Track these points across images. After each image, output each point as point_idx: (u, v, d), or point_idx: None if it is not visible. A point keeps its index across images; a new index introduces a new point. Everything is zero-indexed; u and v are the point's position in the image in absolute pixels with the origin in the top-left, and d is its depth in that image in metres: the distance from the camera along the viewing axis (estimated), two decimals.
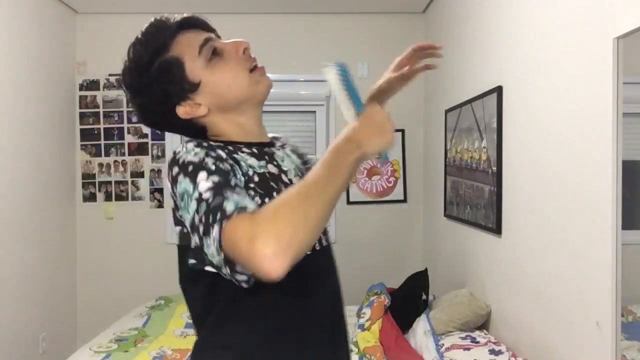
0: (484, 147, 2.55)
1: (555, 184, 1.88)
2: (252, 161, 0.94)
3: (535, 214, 2.04)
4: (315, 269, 0.97)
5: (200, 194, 0.80)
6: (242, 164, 0.91)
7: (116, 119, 3.82)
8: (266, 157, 0.98)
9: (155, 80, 0.94)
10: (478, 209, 2.63)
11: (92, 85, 3.82)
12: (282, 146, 1.08)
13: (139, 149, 3.83)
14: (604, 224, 1.55)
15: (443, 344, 2.33)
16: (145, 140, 3.83)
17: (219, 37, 1.04)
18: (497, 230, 2.38)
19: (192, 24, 1.01)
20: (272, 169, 0.96)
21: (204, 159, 0.84)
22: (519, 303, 2.18)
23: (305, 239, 0.74)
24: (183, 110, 0.96)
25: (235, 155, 0.92)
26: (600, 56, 1.57)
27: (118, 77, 3.83)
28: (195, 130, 1.00)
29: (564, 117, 1.82)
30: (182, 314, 3.08)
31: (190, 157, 0.85)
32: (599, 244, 1.58)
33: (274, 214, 0.74)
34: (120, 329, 2.87)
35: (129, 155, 3.83)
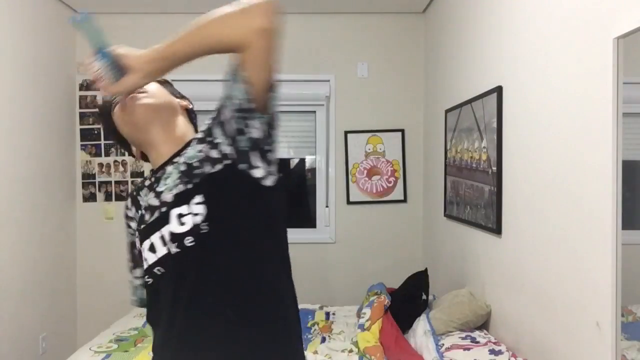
0: (484, 147, 2.55)
1: (555, 184, 1.88)
2: (146, 199, 1.13)
3: (535, 214, 2.04)
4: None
5: None
6: (139, 213, 1.15)
7: None
8: (154, 185, 1.12)
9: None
10: (478, 209, 2.63)
11: (92, 85, 3.82)
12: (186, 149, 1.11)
13: None
14: (604, 224, 1.55)
15: (443, 344, 2.33)
16: None
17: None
18: (497, 230, 2.38)
19: None
20: (150, 200, 1.10)
21: None
22: (519, 303, 2.18)
23: None
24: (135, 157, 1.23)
25: (141, 203, 1.15)
26: (600, 56, 1.57)
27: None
28: None
29: (564, 117, 1.82)
30: None
31: None
32: (599, 244, 1.58)
33: None
34: (120, 329, 2.87)
35: (129, 155, 3.82)
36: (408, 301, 2.85)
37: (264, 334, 1.02)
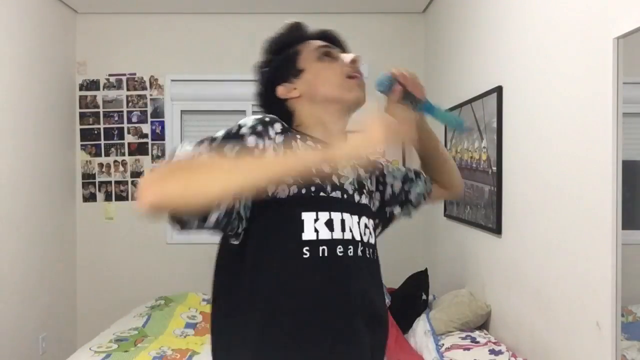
0: (484, 147, 2.55)
1: (555, 184, 1.88)
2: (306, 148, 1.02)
3: (535, 214, 2.04)
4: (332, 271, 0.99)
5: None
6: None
7: (116, 119, 3.82)
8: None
9: (275, 60, 1.13)
10: (478, 209, 2.63)
11: (92, 85, 3.82)
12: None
13: (139, 149, 3.83)
14: (604, 224, 1.55)
15: (443, 344, 2.33)
16: (145, 140, 3.83)
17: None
18: (497, 230, 2.38)
19: (328, 38, 1.18)
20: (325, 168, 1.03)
21: (240, 133, 0.94)
22: (519, 303, 2.18)
23: (182, 195, 0.81)
24: (281, 90, 1.10)
25: (293, 142, 0.99)
26: (600, 56, 1.57)
27: (118, 77, 3.83)
28: (285, 114, 1.10)
29: (564, 117, 1.82)
30: (182, 313, 3.08)
31: (245, 126, 0.95)
32: (599, 244, 1.58)
33: (179, 166, 0.85)
34: (120, 329, 2.87)
35: (129, 155, 3.83)
36: (408, 301, 2.85)
37: None
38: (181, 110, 3.82)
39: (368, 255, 1.03)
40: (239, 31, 3.77)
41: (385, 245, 4.22)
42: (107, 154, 3.83)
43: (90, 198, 3.83)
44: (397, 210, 1.25)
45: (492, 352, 2.15)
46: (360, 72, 1.12)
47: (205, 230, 0.90)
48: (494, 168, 2.41)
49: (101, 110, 3.82)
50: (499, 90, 2.36)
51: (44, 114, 3.37)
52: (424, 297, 2.82)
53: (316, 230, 0.94)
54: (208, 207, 0.85)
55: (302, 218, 0.94)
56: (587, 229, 1.66)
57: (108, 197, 3.83)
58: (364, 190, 1.10)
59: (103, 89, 3.82)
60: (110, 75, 3.82)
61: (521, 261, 2.16)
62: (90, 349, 2.58)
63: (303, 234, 0.94)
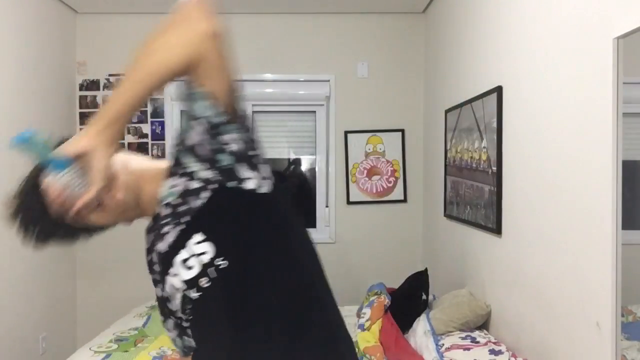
0: (484, 147, 2.55)
1: (555, 184, 1.88)
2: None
3: (535, 214, 2.04)
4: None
5: None
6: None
7: None
8: (151, 237, 1.08)
9: None
10: (478, 209, 2.63)
11: (92, 85, 3.82)
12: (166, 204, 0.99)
13: (139, 149, 3.83)
14: (604, 224, 1.55)
15: (443, 344, 2.33)
16: (145, 140, 3.83)
17: None
18: (497, 230, 2.38)
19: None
20: (153, 257, 1.06)
21: None
22: (519, 303, 2.18)
23: None
24: None
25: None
26: (600, 56, 1.57)
27: (118, 77, 3.83)
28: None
29: (564, 117, 1.82)
30: None
31: None
32: (599, 244, 1.58)
33: None
34: (120, 329, 2.87)
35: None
36: (408, 301, 2.85)
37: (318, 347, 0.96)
38: (181, 110, 3.82)
39: (205, 284, 0.91)
40: (238, 31, 3.77)
41: (385, 245, 4.24)
42: None
43: None
44: (236, 144, 0.91)
45: (492, 352, 2.15)
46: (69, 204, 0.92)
47: None
48: (494, 168, 2.41)
49: None
50: (499, 90, 2.36)
51: (44, 114, 3.37)
52: (424, 297, 2.82)
53: (170, 309, 1.03)
54: None
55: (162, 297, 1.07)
56: (587, 229, 1.66)
57: None
58: (174, 216, 0.95)
59: (103, 89, 3.82)
60: (110, 75, 3.82)
61: (521, 261, 2.16)
62: (90, 349, 2.58)
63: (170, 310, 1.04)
